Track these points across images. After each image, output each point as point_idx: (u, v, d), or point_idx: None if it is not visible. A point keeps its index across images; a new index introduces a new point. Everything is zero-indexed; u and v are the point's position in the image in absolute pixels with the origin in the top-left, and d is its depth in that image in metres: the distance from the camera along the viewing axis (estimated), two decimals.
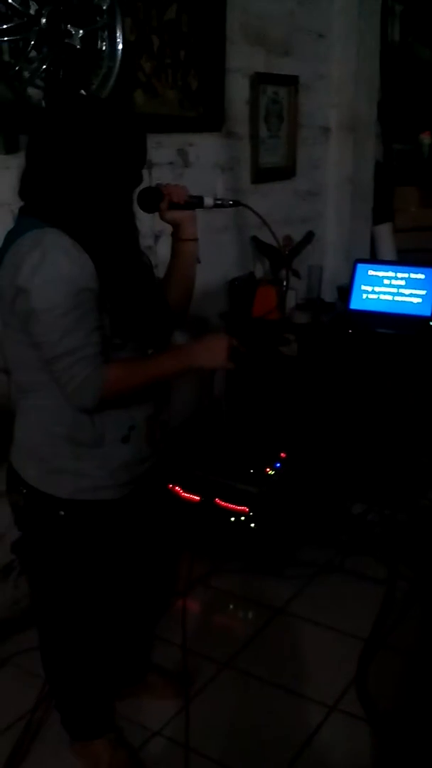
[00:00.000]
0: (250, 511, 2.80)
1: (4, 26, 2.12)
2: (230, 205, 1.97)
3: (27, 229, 1.61)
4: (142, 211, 1.85)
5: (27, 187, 1.67)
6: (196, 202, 1.88)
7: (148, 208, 1.85)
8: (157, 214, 1.88)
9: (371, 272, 3.27)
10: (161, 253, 2.55)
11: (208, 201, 1.90)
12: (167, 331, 1.89)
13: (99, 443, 1.74)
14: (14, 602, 2.61)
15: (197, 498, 2.87)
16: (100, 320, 1.63)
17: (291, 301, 3.35)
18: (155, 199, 1.84)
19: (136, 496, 1.88)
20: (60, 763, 2.08)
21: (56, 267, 1.56)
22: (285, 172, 3.66)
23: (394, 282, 3.22)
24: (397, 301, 3.21)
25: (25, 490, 1.81)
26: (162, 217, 1.88)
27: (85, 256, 1.59)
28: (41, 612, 2.05)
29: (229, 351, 1.75)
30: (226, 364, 1.76)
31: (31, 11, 2.18)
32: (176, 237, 1.92)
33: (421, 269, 3.18)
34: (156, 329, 1.81)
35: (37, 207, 1.65)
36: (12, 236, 1.64)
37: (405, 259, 3.81)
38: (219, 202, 1.94)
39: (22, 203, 1.71)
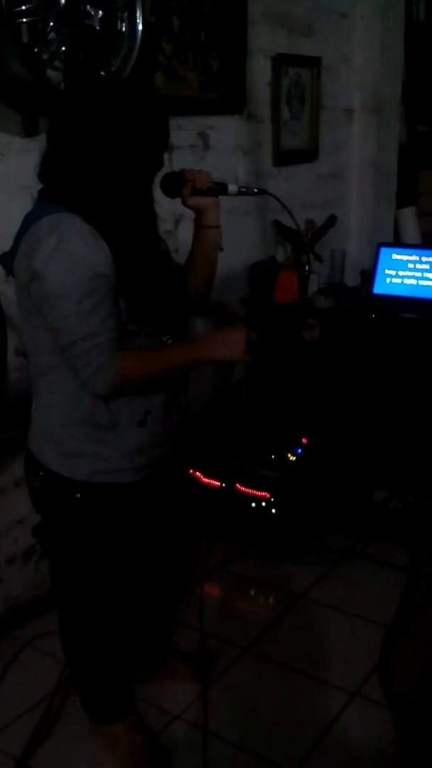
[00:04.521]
0: (271, 497, 2.78)
1: (23, 7, 2.10)
2: (255, 193, 1.93)
3: (44, 213, 1.60)
4: (162, 196, 1.83)
5: (46, 170, 1.66)
6: (219, 189, 1.85)
7: (171, 193, 1.83)
8: (178, 198, 1.86)
9: (395, 256, 3.24)
10: (182, 237, 2.53)
11: (232, 188, 1.86)
12: (183, 318, 1.87)
13: (115, 427, 1.73)
14: (35, 586, 2.62)
15: (218, 483, 2.86)
16: (116, 306, 1.62)
17: (313, 285, 3.32)
18: (178, 185, 1.82)
19: (153, 480, 1.88)
20: (80, 745, 2.09)
21: (71, 253, 1.55)
22: (307, 154, 3.62)
23: (418, 266, 3.19)
24: (422, 285, 3.17)
25: (42, 473, 1.82)
26: (184, 203, 1.85)
27: (101, 242, 1.58)
28: (62, 595, 2.06)
29: (247, 344, 1.73)
30: (244, 358, 1.74)
31: None
32: (198, 223, 1.90)
33: None
34: (171, 316, 1.79)
35: (56, 190, 1.64)
36: (29, 220, 1.64)
37: (430, 242, 3.76)
38: (243, 189, 1.90)
39: (42, 186, 1.70)
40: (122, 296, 1.63)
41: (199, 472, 2.89)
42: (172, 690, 2.26)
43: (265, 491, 2.79)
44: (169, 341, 1.77)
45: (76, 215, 1.58)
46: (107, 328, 1.60)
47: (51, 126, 1.67)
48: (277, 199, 1.96)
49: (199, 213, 1.88)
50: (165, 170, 1.83)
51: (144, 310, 1.68)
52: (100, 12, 2.30)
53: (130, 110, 1.61)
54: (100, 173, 1.60)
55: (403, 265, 3.21)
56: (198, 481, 2.89)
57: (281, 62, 3.32)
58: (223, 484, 2.86)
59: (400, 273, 3.21)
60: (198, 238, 1.91)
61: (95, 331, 1.59)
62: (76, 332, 1.58)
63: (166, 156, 2.78)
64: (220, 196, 1.86)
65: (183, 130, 2.89)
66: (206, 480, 2.88)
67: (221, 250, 1.93)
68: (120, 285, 1.62)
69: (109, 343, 1.61)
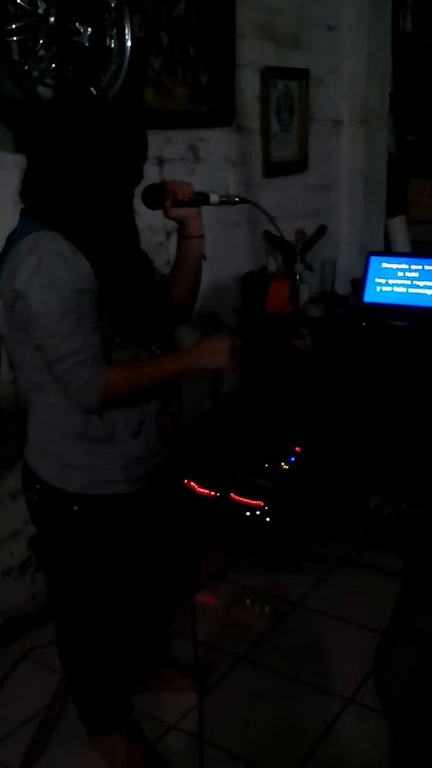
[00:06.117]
0: (265, 506, 2.80)
1: (13, 26, 2.13)
2: (236, 202, 1.96)
3: (25, 232, 1.62)
4: (146, 208, 1.85)
5: (27, 187, 1.68)
6: (201, 200, 1.87)
7: (152, 205, 1.84)
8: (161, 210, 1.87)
9: (385, 264, 3.26)
10: (173, 250, 2.55)
11: (214, 198, 1.89)
12: (170, 328, 1.89)
13: (110, 439, 1.75)
14: (31, 598, 2.63)
15: (212, 493, 2.88)
16: (100, 320, 1.64)
17: (304, 294, 3.34)
18: (159, 197, 1.84)
19: (150, 491, 1.89)
20: (77, 756, 2.09)
21: (52, 271, 1.57)
22: (297, 165, 3.65)
23: (408, 274, 3.21)
24: (412, 293, 3.19)
25: (39, 486, 1.83)
26: (166, 215, 1.87)
27: (81, 258, 1.60)
28: (58, 607, 2.07)
29: (232, 352, 1.74)
30: (229, 365, 1.75)
31: (40, 10, 2.19)
32: (181, 234, 1.92)
33: None
34: (158, 326, 1.80)
35: (36, 208, 1.66)
36: (12, 239, 1.66)
37: (419, 251, 3.78)
38: (225, 199, 1.92)
39: (24, 206, 1.71)
40: (105, 310, 1.65)
41: (194, 481, 2.91)
42: (168, 700, 2.27)
43: (259, 500, 2.81)
44: (158, 351, 1.78)
45: (55, 233, 1.60)
46: (91, 344, 1.62)
47: (30, 142, 1.70)
48: (259, 207, 1.98)
49: (181, 224, 1.90)
50: (148, 184, 1.85)
51: (128, 321, 1.69)
52: (89, 29, 2.33)
53: (103, 125, 1.62)
54: (76, 188, 1.62)
55: (392, 274, 3.23)
56: (192, 490, 2.90)
57: (270, 75, 3.35)
58: (218, 494, 2.87)
59: (390, 281, 3.23)
60: (181, 248, 1.94)
61: (79, 347, 1.60)
62: (60, 350, 1.60)
63: (156, 169, 2.84)
64: (203, 207, 1.89)
65: (173, 144, 2.92)
66: (200, 489, 2.90)
67: (205, 259, 1.95)
68: (102, 298, 1.63)
69: (93, 358, 1.62)
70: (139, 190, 1.77)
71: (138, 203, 1.77)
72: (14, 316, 1.65)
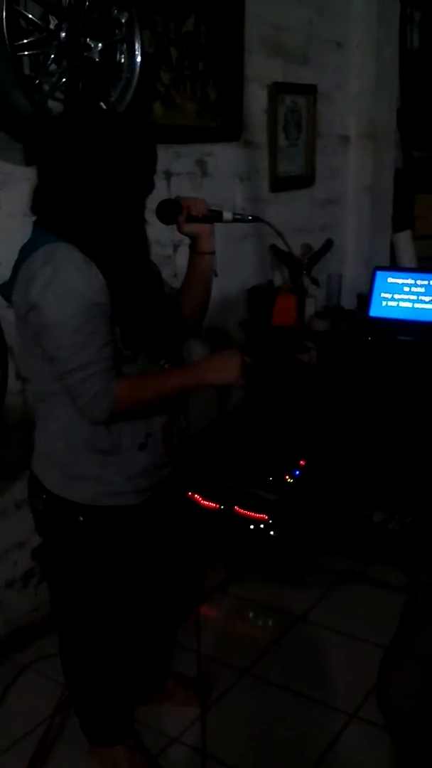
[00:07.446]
0: (269, 519, 2.80)
1: (25, 41, 2.16)
2: (249, 221, 1.98)
3: (39, 244, 1.63)
4: (158, 221, 1.87)
5: (39, 201, 1.70)
6: (214, 216, 1.89)
7: (167, 220, 1.86)
8: (174, 225, 1.89)
9: (391, 279, 3.27)
10: (180, 263, 2.57)
11: (227, 215, 1.90)
12: (179, 342, 1.90)
13: (116, 450, 1.75)
14: (35, 609, 2.63)
15: (216, 506, 2.88)
16: (112, 333, 1.65)
17: (310, 308, 3.35)
18: (174, 212, 1.85)
19: (155, 503, 1.89)
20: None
21: (67, 283, 1.58)
22: (304, 180, 3.68)
23: (413, 289, 3.22)
24: (417, 308, 3.21)
25: (45, 496, 1.83)
26: (179, 230, 1.89)
27: (95, 270, 1.61)
28: (62, 618, 2.07)
29: (242, 368, 1.75)
30: (238, 381, 1.75)
31: (51, 26, 2.22)
32: (193, 250, 1.93)
33: None
34: (167, 340, 1.81)
35: (50, 220, 1.67)
36: (26, 250, 1.67)
37: (425, 266, 3.80)
38: (238, 216, 1.94)
39: (36, 217, 1.73)
40: (117, 322, 1.66)
41: (198, 494, 2.90)
42: (171, 713, 2.26)
43: (263, 513, 2.80)
44: (166, 365, 1.80)
45: (70, 245, 1.61)
46: (103, 357, 1.63)
47: (39, 157, 1.71)
48: (271, 226, 2.00)
49: (194, 240, 1.92)
50: (163, 197, 1.87)
51: (139, 335, 1.71)
52: (100, 44, 2.35)
53: (113, 137, 1.64)
54: (88, 201, 1.63)
55: (398, 289, 3.24)
56: (197, 503, 2.90)
57: (278, 90, 3.38)
58: (222, 507, 2.87)
59: (396, 296, 3.24)
60: (193, 264, 1.95)
61: (91, 360, 1.61)
62: (72, 362, 1.61)
63: (164, 183, 2.86)
64: (215, 223, 1.90)
65: (181, 158, 2.94)
66: (205, 502, 2.90)
67: (215, 275, 1.96)
68: (114, 311, 1.65)
69: (104, 371, 1.64)
70: (152, 204, 1.78)
71: (150, 215, 1.78)
72: (27, 326, 1.66)
